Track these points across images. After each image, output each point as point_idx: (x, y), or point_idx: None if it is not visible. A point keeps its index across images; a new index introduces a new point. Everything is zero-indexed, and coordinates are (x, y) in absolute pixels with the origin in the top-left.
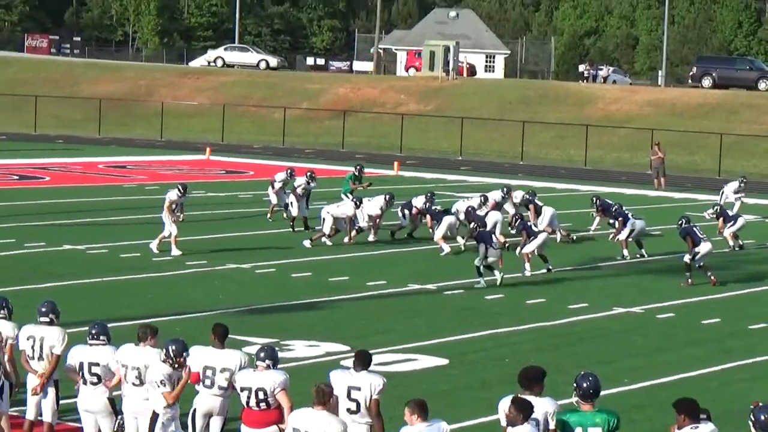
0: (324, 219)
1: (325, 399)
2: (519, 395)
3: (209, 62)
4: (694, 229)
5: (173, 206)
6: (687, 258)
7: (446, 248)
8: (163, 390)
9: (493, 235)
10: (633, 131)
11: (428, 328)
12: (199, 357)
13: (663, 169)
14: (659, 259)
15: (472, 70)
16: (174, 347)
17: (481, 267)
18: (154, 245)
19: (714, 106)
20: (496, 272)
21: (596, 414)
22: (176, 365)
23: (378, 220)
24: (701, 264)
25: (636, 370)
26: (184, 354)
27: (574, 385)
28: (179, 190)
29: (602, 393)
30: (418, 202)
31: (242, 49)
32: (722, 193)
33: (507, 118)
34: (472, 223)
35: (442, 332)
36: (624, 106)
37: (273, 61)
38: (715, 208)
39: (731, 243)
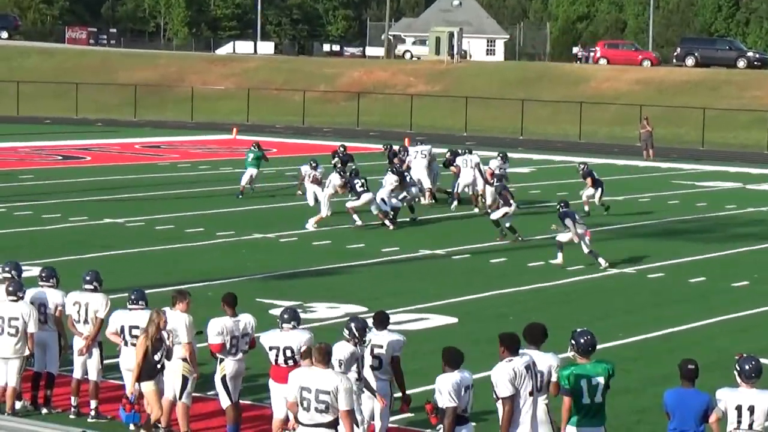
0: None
1: (326, 358)
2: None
3: (398, 55)
4: (572, 213)
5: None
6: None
7: (357, 220)
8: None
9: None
10: (623, 107)
11: (438, 290)
12: (219, 328)
13: (651, 142)
14: (649, 224)
15: (463, 55)
16: (355, 324)
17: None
18: (310, 224)
19: (697, 83)
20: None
21: (596, 365)
22: (358, 342)
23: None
24: (589, 250)
25: (629, 326)
26: (366, 330)
27: (572, 341)
28: (341, 175)
29: (599, 347)
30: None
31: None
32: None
33: (507, 96)
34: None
35: (451, 293)
36: (614, 84)
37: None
38: (582, 166)
39: (587, 208)
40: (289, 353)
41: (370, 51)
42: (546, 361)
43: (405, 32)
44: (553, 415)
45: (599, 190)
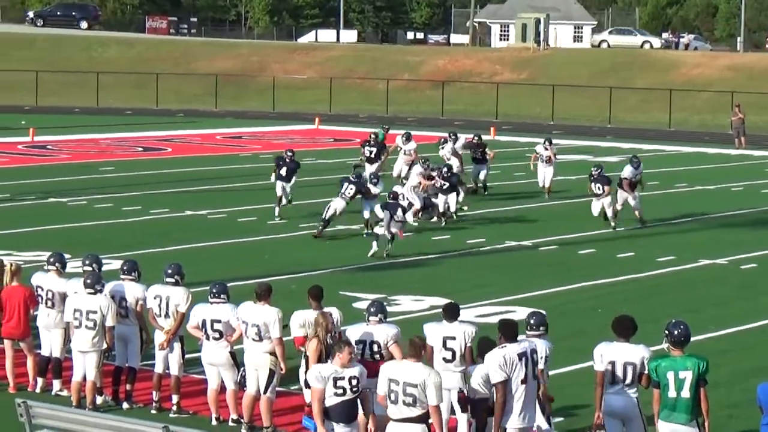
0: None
1: (419, 351)
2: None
3: (594, 45)
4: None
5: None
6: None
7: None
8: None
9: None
10: (714, 94)
11: (525, 282)
12: (302, 320)
13: (743, 129)
14: (741, 213)
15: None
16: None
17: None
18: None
19: None
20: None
21: (686, 359)
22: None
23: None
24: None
25: (720, 318)
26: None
27: (666, 332)
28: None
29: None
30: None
31: (626, 32)
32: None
33: (595, 84)
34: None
35: (538, 285)
36: (705, 71)
37: (656, 42)
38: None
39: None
40: (375, 348)
41: (455, 38)
42: (638, 353)
43: (490, 19)
44: (644, 409)
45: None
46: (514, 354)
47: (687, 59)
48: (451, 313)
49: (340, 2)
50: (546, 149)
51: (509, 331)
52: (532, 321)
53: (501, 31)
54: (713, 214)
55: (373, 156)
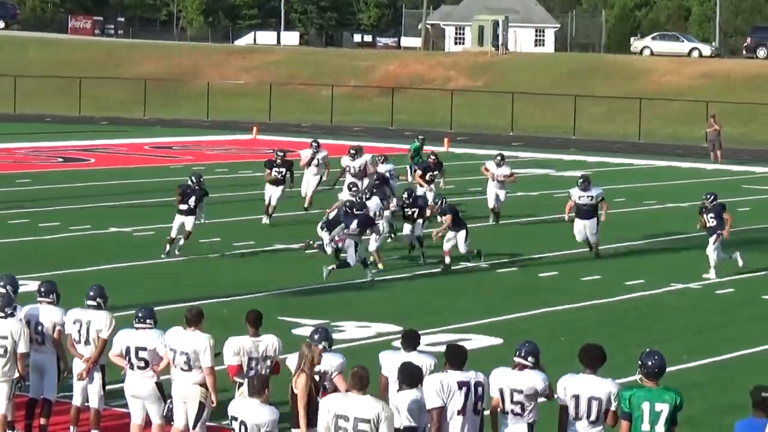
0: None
1: (363, 383)
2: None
3: (635, 52)
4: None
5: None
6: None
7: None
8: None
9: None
10: (687, 104)
11: (481, 307)
12: (236, 348)
13: (719, 142)
14: None
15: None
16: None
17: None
18: None
19: None
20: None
21: (664, 391)
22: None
23: None
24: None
25: (695, 348)
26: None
27: (639, 362)
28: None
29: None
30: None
31: (671, 37)
32: None
33: (558, 92)
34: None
35: (496, 311)
36: (677, 78)
37: (706, 50)
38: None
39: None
40: (317, 378)
41: (406, 42)
42: (604, 387)
43: (444, 21)
44: None
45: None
46: (454, 381)
47: (657, 65)
48: (409, 341)
49: (280, 2)
50: (499, 166)
51: (456, 357)
52: (523, 351)
53: (456, 34)
54: (686, 234)
55: (281, 177)
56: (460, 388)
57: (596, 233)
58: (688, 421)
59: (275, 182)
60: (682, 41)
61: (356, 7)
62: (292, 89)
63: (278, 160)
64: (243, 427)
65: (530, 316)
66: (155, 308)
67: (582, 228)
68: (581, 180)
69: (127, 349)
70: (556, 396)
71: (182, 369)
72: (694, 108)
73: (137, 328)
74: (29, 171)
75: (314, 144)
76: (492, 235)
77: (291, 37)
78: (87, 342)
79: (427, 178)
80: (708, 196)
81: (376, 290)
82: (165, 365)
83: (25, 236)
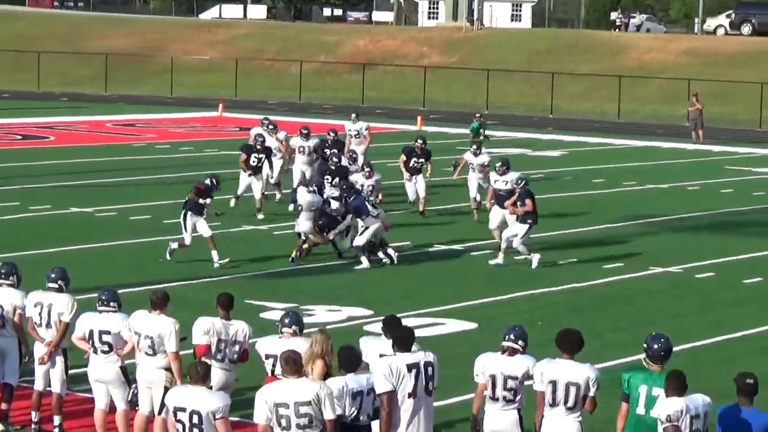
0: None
1: (298, 367)
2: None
3: (709, 32)
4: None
5: None
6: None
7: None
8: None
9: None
10: (668, 82)
11: (455, 291)
12: (206, 327)
13: (701, 121)
14: (698, 216)
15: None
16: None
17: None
18: None
19: (754, 55)
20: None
21: (663, 376)
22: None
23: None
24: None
25: (675, 333)
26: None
27: (645, 345)
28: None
29: (637, 356)
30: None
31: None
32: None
33: (535, 69)
34: None
35: (470, 295)
36: (659, 56)
37: None
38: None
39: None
40: None
41: (378, 16)
42: (582, 372)
43: None
44: None
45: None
46: (403, 364)
47: (638, 42)
48: (391, 327)
49: None
50: (476, 155)
51: (403, 339)
52: (512, 334)
53: (429, 8)
54: (666, 216)
55: (258, 165)
56: (409, 370)
57: (521, 235)
58: None
59: (254, 171)
60: None
61: None
62: (259, 65)
63: (258, 146)
64: (196, 417)
65: (506, 300)
66: (119, 291)
67: (499, 216)
68: (499, 164)
69: (90, 333)
70: (532, 382)
71: (147, 353)
72: (676, 86)
73: (100, 311)
74: None
75: (265, 122)
76: (467, 217)
77: (258, 11)
78: (48, 325)
79: (411, 165)
80: (519, 182)
81: (346, 273)
82: (129, 349)
83: None
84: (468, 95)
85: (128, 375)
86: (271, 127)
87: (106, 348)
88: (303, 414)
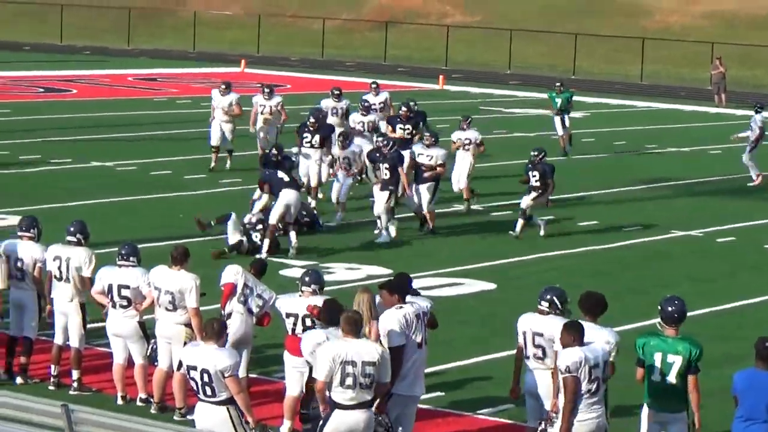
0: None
1: (357, 327)
2: (577, 320)
3: None
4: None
5: None
6: None
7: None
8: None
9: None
10: (692, 45)
11: (474, 251)
12: (237, 270)
13: (724, 85)
14: (719, 180)
15: None
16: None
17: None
18: None
19: None
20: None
21: (678, 341)
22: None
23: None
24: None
25: (695, 296)
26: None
27: (659, 307)
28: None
29: (655, 320)
30: None
31: None
32: None
33: (559, 30)
34: None
35: (490, 255)
36: (683, 18)
37: None
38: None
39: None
40: (309, 322)
41: None
42: (602, 336)
43: None
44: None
45: None
46: (412, 314)
47: (662, 4)
48: (399, 285)
49: None
50: (463, 130)
51: (403, 288)
52: (555, 298)
53: None
54: (687, 180)
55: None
56: (417, 319)
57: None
58: None
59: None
60: None
61: None
62: (282, 21)
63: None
64: (206, 375)
65: (524, 262)
66: (139, 246)
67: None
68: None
69: (110, 287)
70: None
71: (166, 309)
72: (699, 49)
73: (120, 266)
74: (7, 101)
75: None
76: (493, 171)
77: None
78: (67, 279)
79: (397, 133)
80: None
81: (365, 232)
82: (148, 304)
83: (5, 169)
84: (490, 55)
85: (146, 330)
86: (267, 90)
87: (124, 303)
88: (367, 374)
